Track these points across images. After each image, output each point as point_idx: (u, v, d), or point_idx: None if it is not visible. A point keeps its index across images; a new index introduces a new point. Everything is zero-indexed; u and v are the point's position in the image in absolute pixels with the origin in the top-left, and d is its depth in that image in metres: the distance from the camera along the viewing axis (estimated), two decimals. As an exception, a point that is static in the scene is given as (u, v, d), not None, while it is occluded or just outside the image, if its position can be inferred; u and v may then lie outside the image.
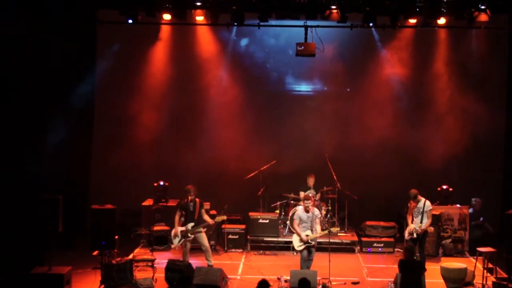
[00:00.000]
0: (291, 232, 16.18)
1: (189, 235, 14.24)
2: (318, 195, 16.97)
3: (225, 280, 13.65)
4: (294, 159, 18.04)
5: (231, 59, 18.48)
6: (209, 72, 18.35)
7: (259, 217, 16.73)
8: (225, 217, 14.90)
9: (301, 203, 14.05)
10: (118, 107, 18.14)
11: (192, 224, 14.23)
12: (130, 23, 15.49)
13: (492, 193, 17.49)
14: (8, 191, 13.90)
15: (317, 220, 13.92)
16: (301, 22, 15.29)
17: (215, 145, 18.28)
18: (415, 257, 11.77)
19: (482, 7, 14.37)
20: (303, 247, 13.72)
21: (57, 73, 15.85)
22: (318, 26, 15.31)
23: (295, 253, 14.03)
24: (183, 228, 14.25)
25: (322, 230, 14.00)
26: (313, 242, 13.78)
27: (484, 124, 17.41)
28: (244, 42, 18.44)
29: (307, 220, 13.81)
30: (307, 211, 13.81)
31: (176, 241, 14.35)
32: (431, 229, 14.12)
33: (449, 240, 16.28)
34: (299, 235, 13.71)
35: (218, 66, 18.42)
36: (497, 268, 14.27)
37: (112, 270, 13.31)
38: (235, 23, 15.58)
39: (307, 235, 13.65)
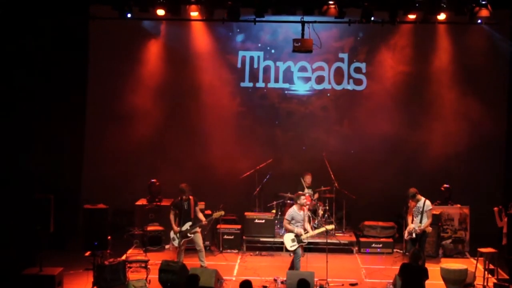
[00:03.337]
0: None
1: (188, 235, 14.00)
2: (316, 195, 16.78)
3: (220, 281, 13.46)
4: (291, 158, 18.01)
5: (227, 56, 18.31)
6: (204, 69, 18.17)
7: (255, 217, 16.53)
8: (223, 212, 14.64)
9: (299, 201, 13.76)
10: (111, 105, 17.94)
11: (190, 223, 14.02)
12: (129, 17, 15.43)
13: (493, 193, 17.28)
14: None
15: (306, 219, 13.80)
16: (298, 18, 15.16)
17: (211, 143, 18.07)
18: (419, 263, 11.49)
19: (483, 2, 14.28)
20: (296, 246, 13.50)
21: (51, 70, 15.70)
22: (315, 22, 15.25)
23: (291, 254, 13.82)
24: (182, 229, 13.97)
25: (315, 228, 13.87)
26: (306, 241, 13.64)
27: (486, 122, 17.32)
28: (240, 38, 18.28)
29: (300, 219, 13.63)
30: (302, 209, 13.61)
31: (176, 243, 14.10)
32: (429, 229, 13.89)
33: (449, 241, 16.09)
34: (292, 231, 13.50)
35: (214, 63, 18.24)
36: (498, 269, 14.12)
37: (104, 271, 13.06)
38: (231, 19, 15.39)
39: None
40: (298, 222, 13.60)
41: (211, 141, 18.06)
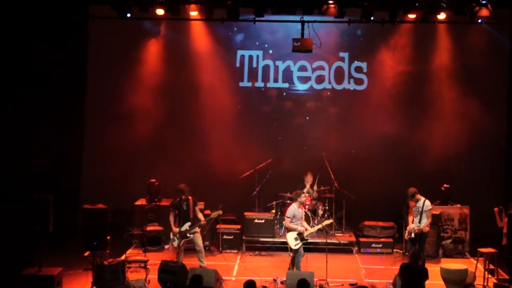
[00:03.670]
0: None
1: (188, 235, 13.96)
2: (316, 194, 16.72)
3: (219, 281, 13.41)
4: (291, 158, 17.95)
5: (226, 55, 18.26)
6: (203, 69, 18.13)
7: (254, 217, 16.48)
8: (220, 212, 14.60)
9: (299, 199, 13.74)
10: (111, 105, 17.89)
11: (189, 223, 13.96)
12: (128, 17, 15.42)
13: (493, 193, 17.26)
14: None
15: (303, 217, 13.86)
16: (297, 17, 15.14)
17: (210, 143, 18.02)
18: (419, 263, 11.46)
19: (483, 1, 14.25)
20: (300, 244, 13.50)
21: (51, 70, 15.68)
22: (315, 21, 15.25)
23: (291, 254, 13.78)
24: (181, 229, 13.93)
25: (312, 226, 14.00)
26: (308, 239, 13.71)
27: (486, 122, 17.29)
28: (239, 37, 18.25)
29: (300, 217, 13.66)
30: (301, 207, 13.68)
31: (176, 243, 14.05)
32: (427, 229, 13.84)
33: (449, 241, 16.05)
34: (295, 229, 13.49)
35: (213, 63, 18.19)
36: (498, 269, 14.07)
37: (104, 271, 13.01)
38: (230, 19, 15.37)
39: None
40: (298, 220, 13.63)
41: (210, 141, 18.01)
